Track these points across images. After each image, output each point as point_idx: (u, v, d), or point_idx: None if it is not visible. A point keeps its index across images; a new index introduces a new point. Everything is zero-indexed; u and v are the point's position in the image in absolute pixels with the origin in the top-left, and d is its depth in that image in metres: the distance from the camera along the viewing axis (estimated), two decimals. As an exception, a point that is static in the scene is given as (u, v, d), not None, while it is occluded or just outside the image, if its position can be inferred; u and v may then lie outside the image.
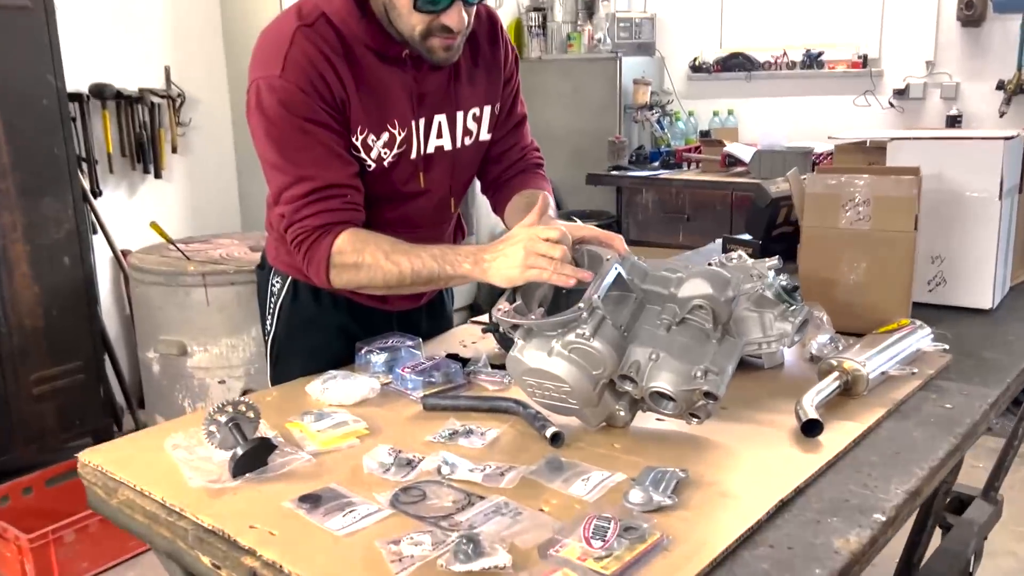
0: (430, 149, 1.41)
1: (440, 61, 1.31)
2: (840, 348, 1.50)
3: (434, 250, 1.27)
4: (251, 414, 1.19)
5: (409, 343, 1.50)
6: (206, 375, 2.92)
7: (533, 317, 1.15)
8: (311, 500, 1.02)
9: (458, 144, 1.43)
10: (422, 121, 1.38)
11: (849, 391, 1.31)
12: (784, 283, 1.46)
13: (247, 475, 1.10)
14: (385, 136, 1.35)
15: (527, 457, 1.13)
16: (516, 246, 1.18)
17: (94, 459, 1.18)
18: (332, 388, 1.37)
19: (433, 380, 1.39)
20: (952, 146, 1.79)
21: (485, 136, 1.48)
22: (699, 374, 1.11)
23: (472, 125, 1.45)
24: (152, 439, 1.23)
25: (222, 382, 2.92)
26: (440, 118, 1.40)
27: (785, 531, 0.94)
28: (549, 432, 1.16)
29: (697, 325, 1.15)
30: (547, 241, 1.17)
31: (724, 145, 4.28)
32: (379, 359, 1.46)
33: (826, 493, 1.03)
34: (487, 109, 1.46)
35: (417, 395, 1.36)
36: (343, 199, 1.31)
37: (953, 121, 4.18)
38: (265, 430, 1.22)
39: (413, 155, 1.39)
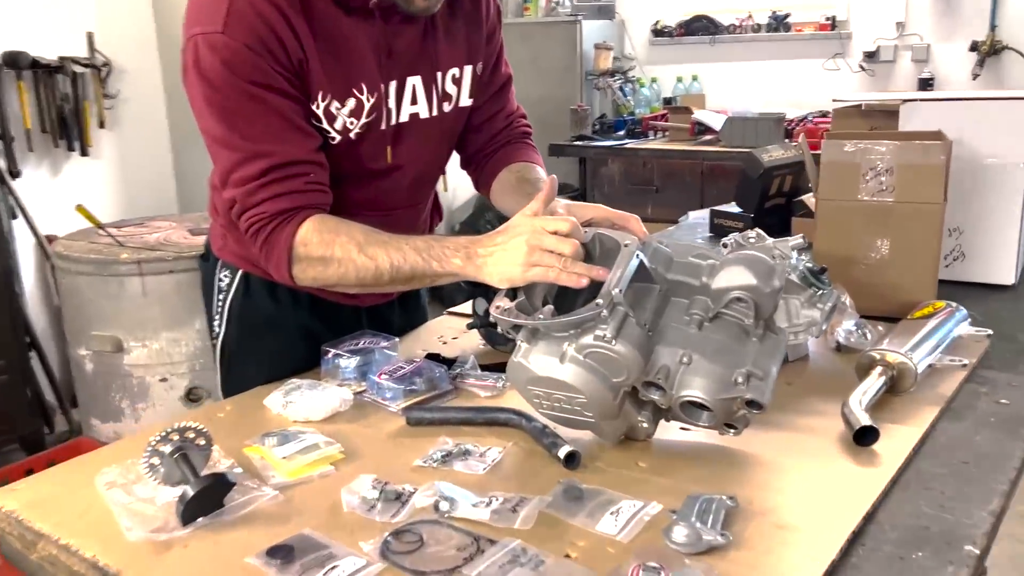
0: (404, 117, 1.21)
1: (417, 11, 1.12)
2: (868, 336, 1.36)
3: (417, 242, 1.08)
4: (201, 441, 1.00)
5: (384, 343, 1.31)
6: (146, 373, 2.68)
7: (541, 316, 0.97)
8: (281, 553, 0.84)
9: (435, 111, 1.24)
10: (393, 84, 1.18)
11: (893, 387, 1.16)
12: (810, 265, 1.32)
13: (199, 521, 0.91)
14: (351, 103, 1.14)
15: (538, 484, 0.96)
16: (517, 239, 1.00)
17: (7, 503, 0.97)
18: (296, 401, 1.18)
19: (415, 388, 1.21)
20: (972, 108, 1.65)
21: (466, 101, 1.29)
22: (740, 379, 0.95)
23: (451, 88, 1.25)
24: (80, 475, 1.03)
25: (164, 380, 2.69)
26: (414, 80, 1.20)
27: (866, 572, 0.79)
28: (562, 452, 0.99)
29: (734, 320, 0.99)
30: (555, 235, 0.99)
31: (692, 112, 4.13)
32: (350, 364, 1.27)
33: (900, 519, 0.88)
34: (468, 69, 1.27)
35: (397, 406, 1.18)
36: (305, 179, 1.11)
37: (925, 84, 4.10)
38: (219, 459, 1.03)
39: (384, 125, 1.19)
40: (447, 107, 1.25)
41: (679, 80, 4.79)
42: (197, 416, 1.20)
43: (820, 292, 1.25)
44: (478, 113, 1.33)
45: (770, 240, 1.35)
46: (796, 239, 1.34)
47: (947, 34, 4.09)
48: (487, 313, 1.38)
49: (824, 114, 4.19)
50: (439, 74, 1.22)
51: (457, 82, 1.25)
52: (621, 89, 4.71)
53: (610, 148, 4.21)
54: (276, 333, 1.32)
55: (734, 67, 4.69)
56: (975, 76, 3.98)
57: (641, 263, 0.99)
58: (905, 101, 1.71)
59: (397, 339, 1.33)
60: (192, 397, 2.72)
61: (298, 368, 1.30)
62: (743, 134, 3.85)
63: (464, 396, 1.23)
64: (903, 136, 1.54)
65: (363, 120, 1.16)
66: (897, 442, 1.03)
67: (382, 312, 1.42)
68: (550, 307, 0.98)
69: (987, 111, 1.63)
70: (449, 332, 1.52)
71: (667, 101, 4.74)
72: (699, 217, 2.60)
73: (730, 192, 3.81)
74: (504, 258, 1.01)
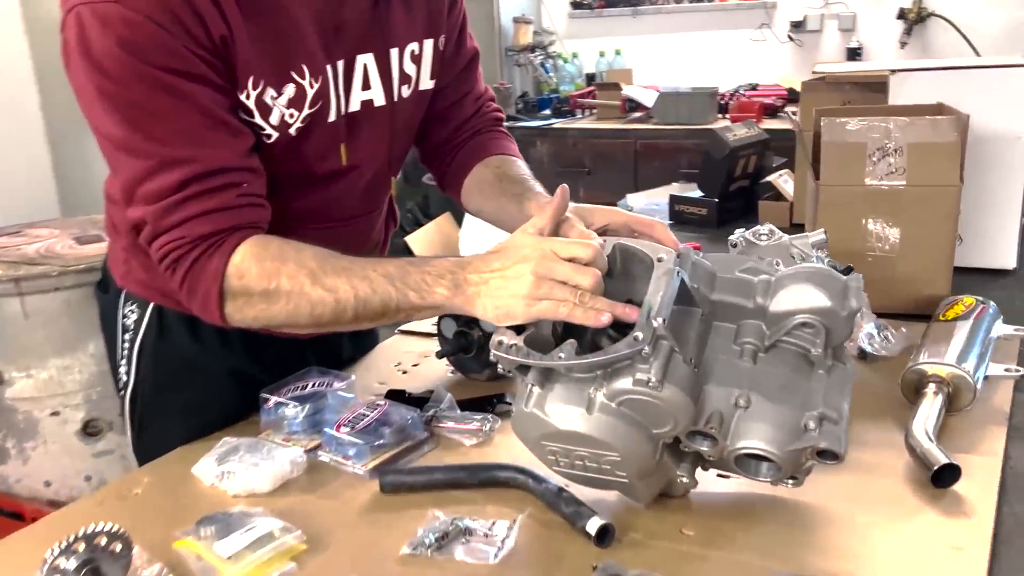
0: (354, 106, 0.98)
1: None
2: (891, 339, 1.22)
3: (388, 267, 0.86)
4: (117, 545, 0.77)
5: (337, 384, 1.09)
6: (33, 407, 2.35)
7: (561, 356, 0.77)
8: None
9: (394, 96, 1.01)
10: (341, 64, 0.95)
11: (948, 407, 1.02)
12: (834, 264, 1.17)
13: (124, 668, 0.68)
14: (290, 90, 0.91)
15: (569, 572, 0.76)
16: (521, 266, 0.80)
17: None
18: (236, 470, 0.95)
19: (383, 442, 1.00)
20: (968, 77, 1.53)
21: (427, 83, 1.07)
22: (811, 424, 0.78)
23: (410, 67, 1.03)
24: (-51, 603, 0.77)
25: (55, 414, 2.36)
26: (365, 59, 0.98)
27: None
28: (592, 526, 0.80)
29: (795, 350, 0.82)
30: (571, 262, 0.79)
31: (621, 89, 3.98)
32: (297, 414, 1.04)
33: (1023, 590, 0.72)
34: (428, 44, 1.05)
35: (364, 467, 0.97)
36: (237, 191, 0.88)
37: (853, 54, 4.06)
38: (143, 564, 0.79)
39: (332, 116, 0.96)
40: (406, 91, 1.03)
41: (601, 55, 4.63)
42: (107, 495, 0.96)
43: (847, 296, 1.10)
44: (442, 97, 1.11)
45: (785, 236, 1.20)
46: (817, 235, 1.19)
47: (873, 2, 4.06)
48: (459, 336, 1.18)
49: (754, 87, 4.11)
50: (395, 51, 1.00)
51: (417, 60, 1.03)
52: (543, 65, 4.52)
53: (537, 129, 4.01)
54: (201, 379, 1.08)
55: (657, 40, 4.56)
56: (903, 44, 3.96)
57: (682, 282, 0.80)
58: (894, 71, 1.57)
59: (352, 377, 1.11)
60: (90, 431, 2.41)
61: (230, 421, 1.07)
62: (676, 110, 3.73)
63: (444, 446, 1.02)
64: (907, 111, 1.41)
65: (305, 111, 0.92)
66: (977, 479, 0.87)
67: (328, 342, 1.19)
68: (572, 343, 0.79)
69: (986, 80, 1.51)
70: (407, 358, 1.30)
71: (590, 78, 4.58)
72: (651, 203, 2.44)
73: (666, 172, 3.71)
74: (503, 289, 0.80)
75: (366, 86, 0.98)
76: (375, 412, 1.03)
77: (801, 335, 0.81)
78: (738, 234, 1.20)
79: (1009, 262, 1.56)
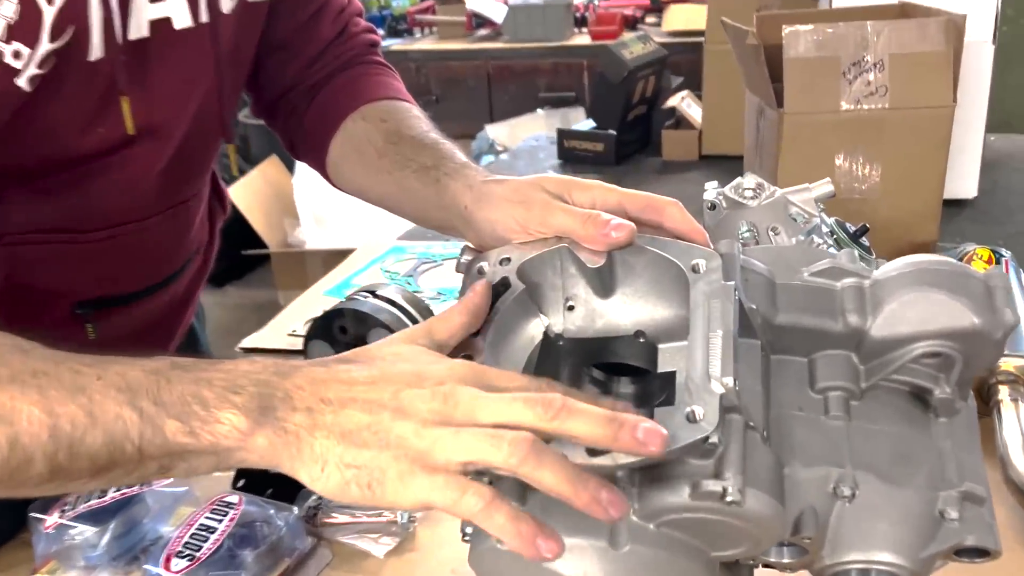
0: (139, 31, 0.59)
1: None
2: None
3: (134, 371, 0.44)
4: None
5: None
6: None
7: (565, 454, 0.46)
8: None
9: (203, 15, 0.63)
10: None
11: (1019, 409, 0.79)
12: (840, 222, 0.91)
13: None
14: (7, 9, 0.52)
15: None
16: (415, 394, 0.42)
17: None
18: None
19: (246, 571, 0.65)
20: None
21: (260, -8, 0.69)
22: (951, 512, 0.51)
23: (230, -32, 0.65)
24: None
25: None
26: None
27: None
28: None
29: (902, 389, 0.54)
30: (502, 403, 0.42)
31: (464, 3, 3.61)
32: (96, 538, 0.68)
33: None
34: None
35: (218, 619, 0.62)
36: None
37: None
38: None
39: (97, 51, 0.57)
40: (226, 5, 0.64)
41: (434, -35, 4.22)
42: None
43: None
44: (284, 13, 0.73)
45: (778, 191, 0.92)
46: (821, 186, 0.92)
47: None
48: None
49: (608, -4, 3.86)
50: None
51: (241, -44, 0.65)
52: (369, -21, 4.05)
53: (371, 54, 3.58)
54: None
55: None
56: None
57: (739, 304, 0.50)
58: (838, -36, 1.33)
59: (183, 459, 0.74)
60: None
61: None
62: (529, 26, 3.41)
63: (343, 560, 0.69)
64: (869, 14, 1.17)
65: (44, 46, 0.53)
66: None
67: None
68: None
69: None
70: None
71: (423, -9, 4.17)
72: (530, 139, 2.13)
73: (524, 98, 3.41)
74: (369, 431, 0.41)
75: (155, -4, 0.60)
76: (226, 521, 0.68)
77: (919, 370, 0.53)
78: (712, 190, 0.90)
79: (969, 191, 1.38)
